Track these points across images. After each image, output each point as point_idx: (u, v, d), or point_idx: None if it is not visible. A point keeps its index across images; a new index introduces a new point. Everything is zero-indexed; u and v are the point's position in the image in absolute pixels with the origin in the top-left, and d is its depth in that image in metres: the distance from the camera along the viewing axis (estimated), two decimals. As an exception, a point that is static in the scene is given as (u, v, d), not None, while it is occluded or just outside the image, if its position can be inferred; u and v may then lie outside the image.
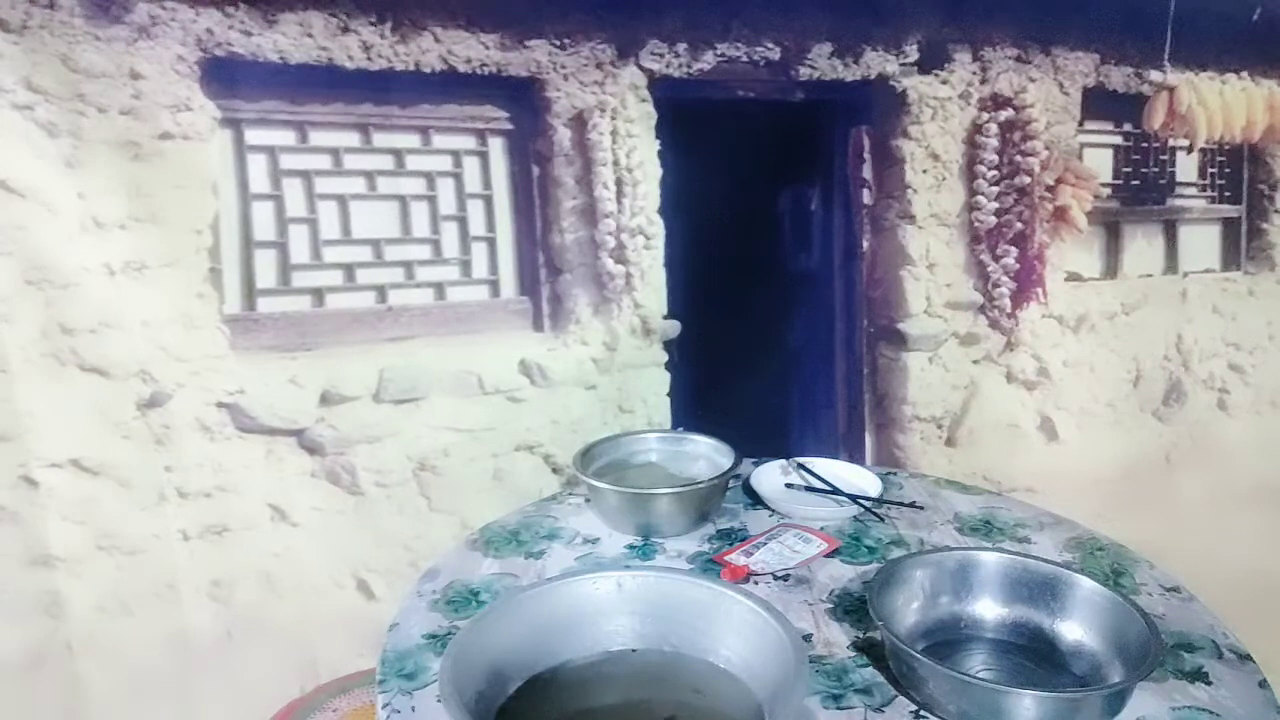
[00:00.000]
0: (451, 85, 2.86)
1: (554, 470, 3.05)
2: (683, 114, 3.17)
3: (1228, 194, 4.38)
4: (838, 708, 1.24)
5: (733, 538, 1.81)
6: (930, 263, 3.55)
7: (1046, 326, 3.76)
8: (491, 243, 3.08)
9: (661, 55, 3.03)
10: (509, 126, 3.04)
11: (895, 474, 2.20)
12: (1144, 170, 4.12)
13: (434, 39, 2.72)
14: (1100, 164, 3.96)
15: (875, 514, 1.91)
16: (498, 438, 2.96)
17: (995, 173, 3.47)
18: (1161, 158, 4.15)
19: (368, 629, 2.45)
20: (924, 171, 3.48)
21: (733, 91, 3.28)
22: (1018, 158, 3.41)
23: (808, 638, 1.40)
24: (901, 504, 1.95)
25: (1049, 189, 3.45)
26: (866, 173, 3.59)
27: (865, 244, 3.67)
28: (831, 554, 1.72)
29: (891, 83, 3.39)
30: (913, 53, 3.40)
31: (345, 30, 2.61)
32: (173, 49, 2.41)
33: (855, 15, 3.25)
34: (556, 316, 3.11)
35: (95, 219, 2.35)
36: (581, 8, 2.88)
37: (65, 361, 2.34)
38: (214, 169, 2.56)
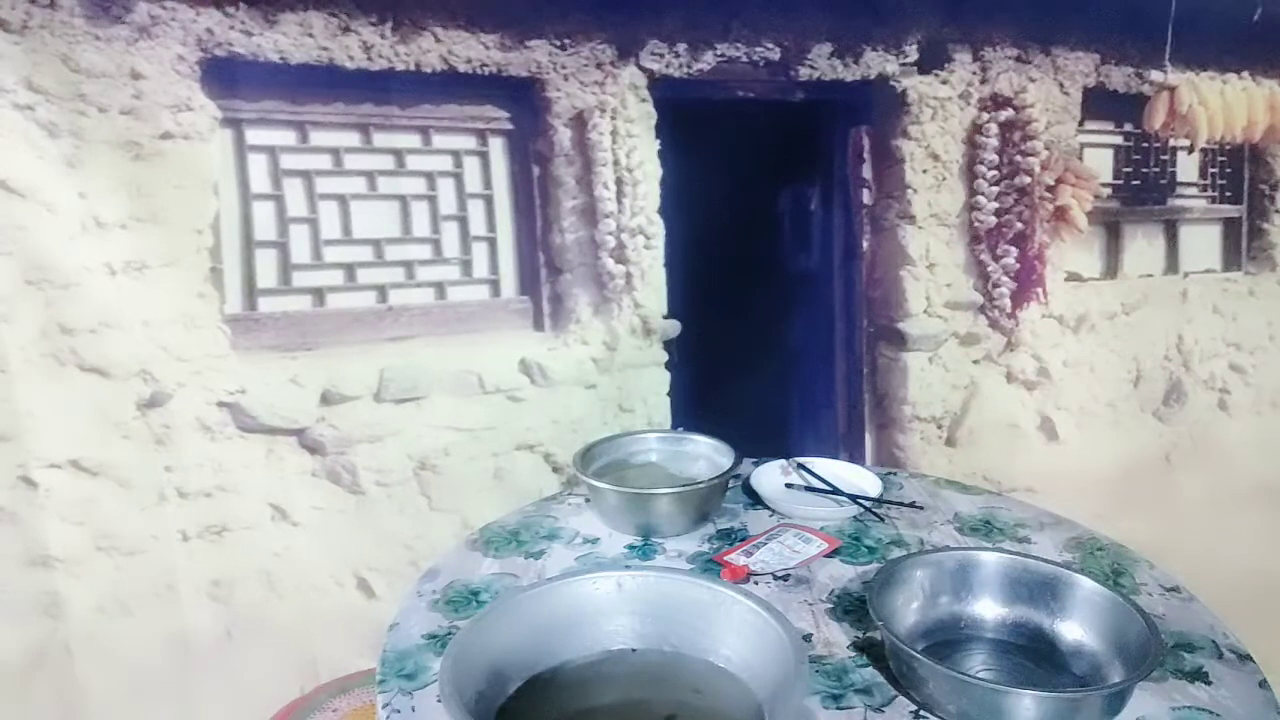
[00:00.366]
0: (452, 85, 2.86)
1: (554, 470, 3.06)
2: (683, 114, 3.17)
3: (1228, 194, 4.38)
4: (838, 708, 1.24)
5: (733, 538, 1.81)
6: (930, 263, 3.55)
7: (1046, 326, 3.76)
8: (492, 242, 3.09)
9: (661, 55, 3.03)
10: (509, 126, 3.04)
11: (895, 474, 2.20)
12: (1144, 170, 4.12)
13: (434, 39, 2.72)
14: (1100, 164, 3.95)
15: (875, 514, 1.91)
16: (498, 437, 2.96)
17: (995, 173, 3.47)
18: (1162, 158, 4.16)
19: (368, 628, 2.45)
20: (924, 171, 3.48)
21: (733, 91, 3.28)
22: (1018, 158, 3.41)
23: (808, 638, 1.40)
24: (901, 504, 1.95)
25: (1049, 189, 3.45)
26: (866, 173, 3.59)
27: (865, 244, 3.67)
28: (831, 554, 1.72)
29: (891, 83, 3.39)
30: (913, 53, 3.40)
31: (346, 30, 2.61)
32: (173, 49, 2.41)
33: (855, 15, 3.25)
34: (557, 316, 3.11)
35: (96, 219, 2.35)
36: (581, 8, 2.88)
37: (65, 361, 2.34)
38: (215, 169, 2.56)
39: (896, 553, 1.70)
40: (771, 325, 4.29)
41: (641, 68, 3.01)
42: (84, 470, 2.40)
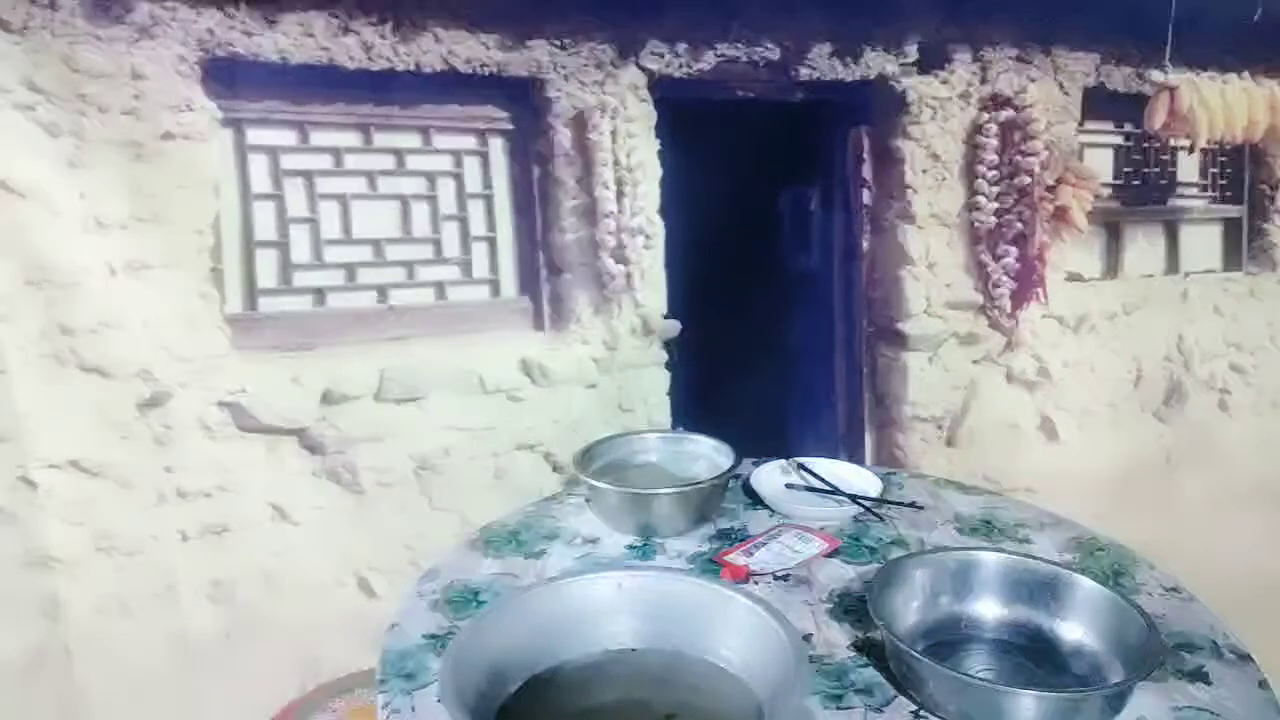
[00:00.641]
0: (452, 85, 2.86)
1: (554, 469, 3.06)
2: (683, 114, 3.17)
3: (1229, 194, 4.38)
4: (838, 708, 1.24)
5: (733, 538, 1.81)
6: (930, 263, 3.55)
7: (1047, 326, 3.76)
8: (492, 242, 3.09)
9: (661, 55, 3.03)
10: (509, 127, 3.05)
11: (895, 474, 2.20)
12: (1145, 170, 4.12)
13: (435, 39, 2.72)
14: (1101, 164, 3.96)
15: (875, 514, 1.91)
16: (498, 437, 2.96)
17: (995, 173, 3.47)
18: (1162, 158, 4.16)
19: (369, 627, 2.44)
20: (924, 171, 3.48)
21: (733, 91, 3.28)
22: (1018, 158, 3.41)
23: (808, 638, 1.40)
24: (901, 504, 1.95)
25: (1049, 189, 3.45)
26: (866, 173, 3.60)
27: (865, 244, 3.67)
28: (831, 554, 1.72)
29: (891, 83, 3.39)
30: (913, 53, 3.40)
31: (346, 30, 2.61)
32: (174, 49, 2.41)
33: (855, 15, 3.25)
34: (557, 316, 3.11)
35: (97, 219, 2.35)
36: (581, 8, 2.88)
37: (65, 362, 2.34)
38: (215, 169, 2.56)
39: (896, 553, 1.70)
40: (771, 325, 4.29)
41: (641, 68, 3.02)
42: (84, 470, 2.40)
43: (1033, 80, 3.53)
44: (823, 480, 2.04)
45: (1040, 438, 3.85)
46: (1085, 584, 1.37)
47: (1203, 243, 4.37)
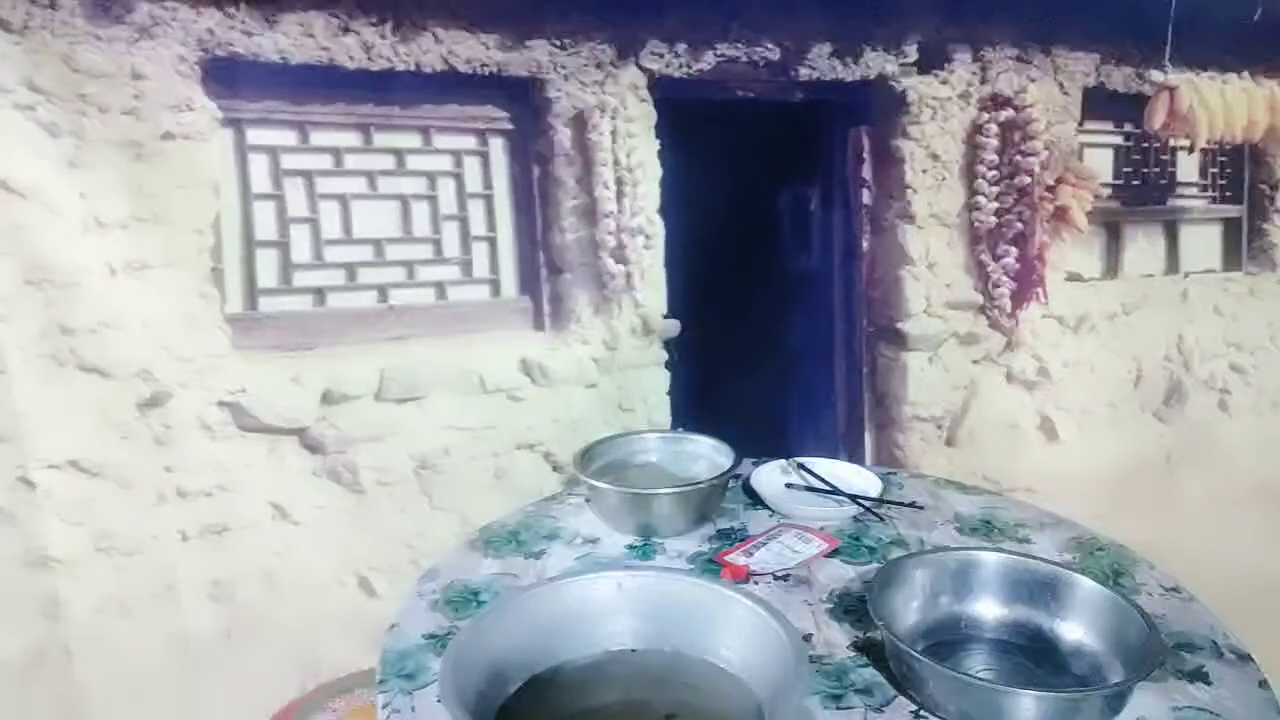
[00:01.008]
0: (452, 85, 2.86)
1: (555, 469, 3.06)
2: (683, 114, 3.17)
3: (1229, 194, 4.38)
4: (838, 708, 1.24)
5: (733, 538, 1.81)
6: (930, 263, 3.55)
7: (1046, 326, 3.76)
8: (492, 242, 3.09)
9: (661, 55, 3.03)
10: (509, 126, 3.05)
11: (895, 474, 2.20)
12: (1145, 170, 4.12)
13: (435, 39, 2.72)
14: (1101, 164, 3.96)
15: (875, 514, 1.91)
16: (499, 436, 2.96)
17: (995, 173, 3.47)
18: (1162, 158, 4.16)
19: (369, 627, 2.44)
20: (924, 171, 3.48)
21: (733, 91, 3.28)
22: (1018, 158, 3.42)
23: (808, 638, 1.40)
24: (901, 504, 1.95)
25: (1049, 189, 3.45)
26: (866, 173, 3.60)
27: (865, 244, 3.67)
28: (831, 554, 1.72)
29: (891, 83, 3.39)
30: (912, 53, 3.40)
31: (346, 30, 2.61)
32: (174, 49, 2.41)
33: (855, 15, 3.25)
34: (557, 316, 3.11)
35: (97, 219, 2.35)
36: (581, 8, 2.88)
37: (65, 362, 2.34)
38: (215, 169, 2.56)
39: (896, 553, 1.70)
40: (771, 325, 4.29)
41: (641, 68, 3.02)
42: (84, 470, 2.40)
43: (1033, 80, 3.53)
44: (823, 480, 2.04)
45: (1040, 438, 3.85)
46: (1085, 584, 1.37)
47: (1202, 243, 4.37)
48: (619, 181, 2.93)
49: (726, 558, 1.69)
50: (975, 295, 3.62)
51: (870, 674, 1.31)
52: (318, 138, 2.79)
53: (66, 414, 2.36)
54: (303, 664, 2.67)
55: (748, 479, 2.05)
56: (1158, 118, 3.38)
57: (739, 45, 3.13)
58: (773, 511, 1.94)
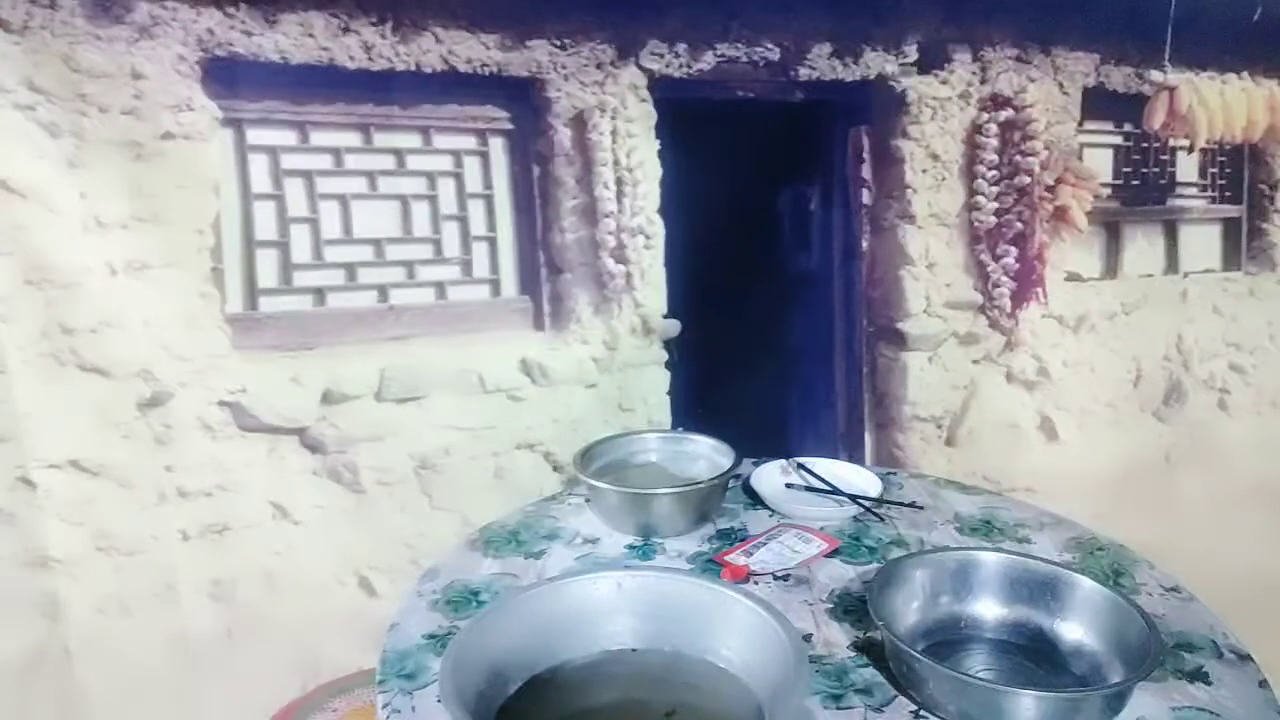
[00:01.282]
0: (452, 85, 2.86)
1: (555, 469, 3.06)
2: (683, 114, 3.17)
3: (1228, 194, 4.38)
4: (838, 708, 1.24)
5: (733, 538, 1.81)
6: (930, 263, 3.55)
7: (1046, 326, 3.76)
8: (492, 242, 3.09)
9: (661, 55, 3.04)
10: (509, 126, 3.04)
11: (895, 474, 2.20)
12: (1144, 170, 4.12)
13: (435, 39, 2.72)
14: (1100, 164, 3.96)
15: (875, 514, 1.91)
16: (499, 436, 2.96)
17: (995, 173, 3.47)
18: (1162, 158, 4.16)
19: (369, 626, 2.44)
20: (924, 171, 3.48)
21: (733, 91, 3.28)
22: (1018, 158, 3.42)
23: (808, 638, 1.40)
24: (901, 504, 1.95)
25: (1049, 189, 3.45)
26: (866, 173, 3.60)
27: (865, 244, 3.67)
28: (831, 554, 1.72)
29: (891, 83, 3.39)
30: (912, 53, 3.40)
31: (346, 30, 2.61)
32: (174, 49, 2.41)
33: (855, 15, 3.25)
34: (557, 315, 3.11)
35: (97, 219, 2.35)
36: (581, 8, 2.88)
37: (65, 362, 2.34)
38: (216, 169, 2.56)
39: (896, 553, 1.71)
40: (771, 325, 4.29)
41: (641, 68, 3.02)
42: (84, 470, 2.40)
43: (1032, 80, 3.53)
44: (823, 480, 2.04)
45: (1040, 437, 3.85)
46: (1085, 584, 1.37)
47: (1202, 242, 4.37)
48: (619, 181, 2.93)
49: (726, 558, 1.69)
50: (975, 295, 3.62)
51: (870, 674, 1.31)
52: (318, 138, 2.79)
53: (66, 414, 2.35)
54: (303, 664, 2.67)
55: (748, 479, 2.05)
56: (1157, 118, 3.38)
57: (739, 45, 3.13)
58: (773, 511, 1.94)
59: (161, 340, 2.46)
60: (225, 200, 2.63)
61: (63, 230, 2.30)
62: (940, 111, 3.44)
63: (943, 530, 1.84)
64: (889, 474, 2.17)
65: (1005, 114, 3.43)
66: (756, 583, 1.60)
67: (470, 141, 3.02)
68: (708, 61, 3.11)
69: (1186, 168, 4.23)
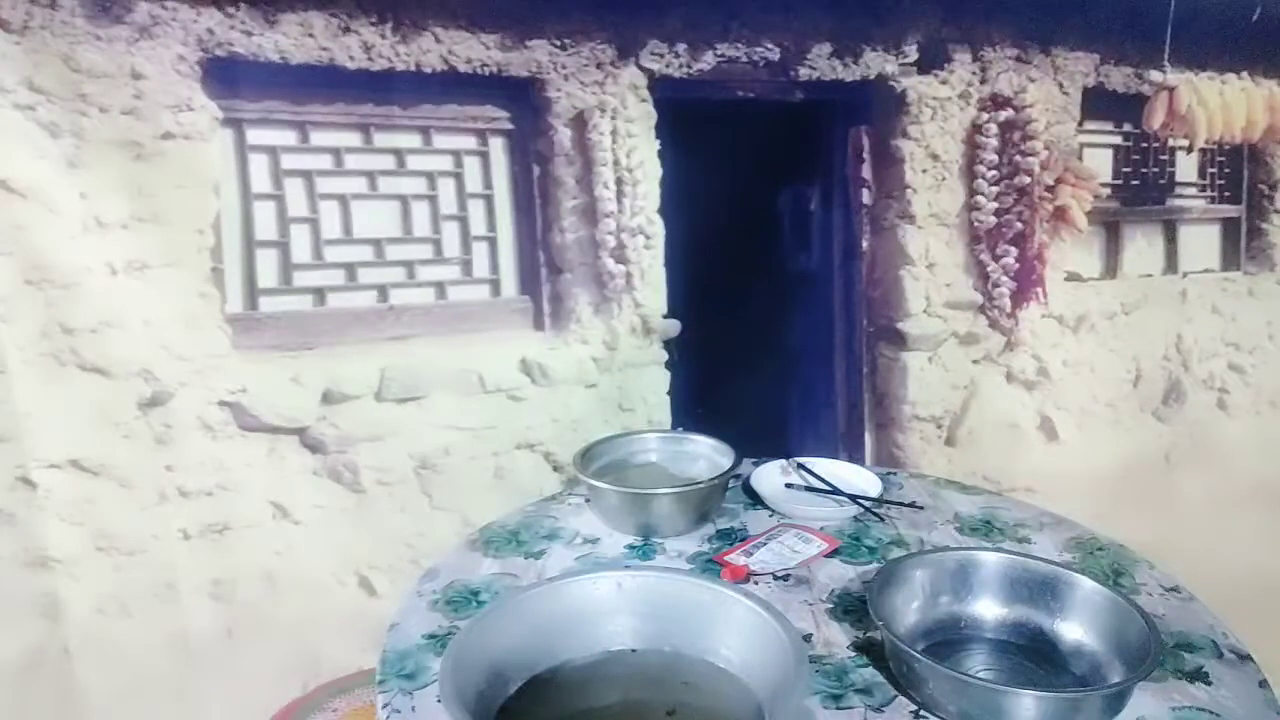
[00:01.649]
0: (452, 85, 2.86)
1: (555, 469, 3.06)
2: (683, 114, 3.17)
3: (1227, 194, 4.38)
4: (838, 708, 1.24)
5: (733, 538, 1.81)
6: (930, 263, 3.55)
7: (1046, 326, 3.76)
8: (492, 242, 3.09)
9: (661, 55, 3.04)
10: (509, 126, 3.05)
11: (895, 474, 2.20)
12: (1144, 170, 4.12)
13: (435, 39, 2.72)
14: (1100, 164, 3.96)
15: (875, 514, 1.91)
16: (499, 436, 2.96)
17: (995, 173, 3.47)
18: (1161, 158, 4.16)
19: (369, 626, 2.45)
20: (924, 171, 3.48)
21: (733, 91, 3.28)
22: (1017, 158, 3.42)
23: (808, 638, 1.40)
24: (901, 504, 1.95)
25: (1049, 189, 3.45)
26: (866, 173, 3.60)
27: (865, 244, 3.67)
28: (831, 554, 1.72)
29: (891, 83, 3.39)
30: (912, 53, 3.40)
31: (346, 30, 2.61)
32: (174, 49, 2.41)
33: (855, 15, 3.25)
34: (557, 315, 3.11)
35: (97, 219, 2.35)
36: (581, 8, 2.88)
37: (65, 362, 2.34)
38: (216, 169, 2.56)
39: (896, 553, 1.71)
40: (771, 325, 4.29)
41: (641, 68, 3.02)
42: (84, 470, 2.40)
43: (1032, 80, 3.53)
44: (823, 480, 2.04)
45: (1040, 437, 3.85)
46: (1085, 584, 1.37)
47: (1201, 242, 4.37)
48: (619, 181, 2.93)
49: (726, 558, 1.70)
50: (975, 295, 3.62)
51: (870, 674, 1.32)
52: (318, 138, 2.79)
53: (67, 414, 2.35)
54: (303, 664, 2.67)
55: (748, 479, 2.05)
56: (1157, 118, 3.38)
57: (739, 45, 3.13)
58: (773, 511, 1.94)
59: (162, 340, 2.46)
60: (225, 200, 2.63)
61: (63, 230, 2.30)
62: (940, 111, 3.45)
63: (943, 530, 1.84)
64: (889, 474, 2.17)
65: (1005, 114, 3.43)
66: (756, 583, 1.60)
67: (470, 141, 3.02)
68: (708, 61, 3.11)
69: (1186, 168, 4.23)
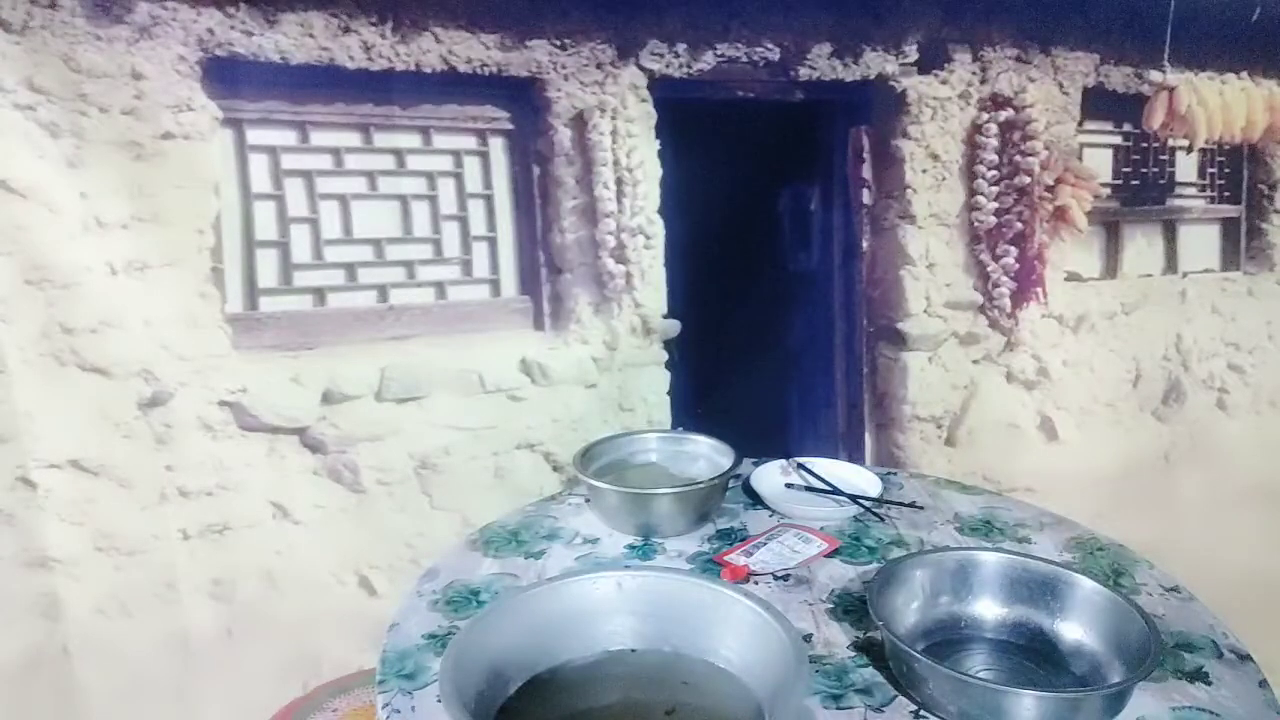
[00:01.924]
0: (452, 85, 2.86)
1: (555, 469, 3.06)
2: (683, 114, 3.17)
3: (1227, 194, 4.38)
4: (838, 708, 1.24)
5: (733, 538, 1.81)
6: (930, 263, 3.55)
7: (1046, 326, 3.76)
8: (492, 242, 3.09)
9: (661, 55, 3.04)
10: (509, 126, 3.05)
11: (895, 474, 2.20)
12: (1144, 170, 4.12)
13: (435, 39, 2.72)
14: (1100, 164, 3.96)
15: (875, 514, 1.91)
16: (499, 436, 2.97)
17: (995, 173, 3.47)
18: (1161, 158, 4.16)
19: (370, 626, 2.44)
20: (924, 171, 3.48)
21: (733, 91, 3.28)
22: (1017, 158, 3.42)
23: (808, 638, 1.40)
24: (901, 504, 1.95)
25: (1049, 189, 3.45)
26: (866, 173, 3.59)
27: (865, 244, 3.67)
28: (831, 554, 1.72)
29: (891, 83, 3.39)
30: (912, 53, 3.40)
31: (346, 30, 2.61)
32: (174, 49, 2.41)
33: (855, 15, 3.25)
34: (557, 315, 3.11)
35: (97, 219, 2.35)
36: (581, 8, 2.88)
37: (65, 362, 2.34)
38: (216, 169, 2.56)
39: (896, 553, 1.71)
40: (771, 325, 4.29)
41: (641, 68, 3.02)
42: (84, 470, 2.40)
43: (1032, 80, 3.53)
44: (823, 480, 2.04)
45: (1040, 437, 3.85)
46: (1085, 584, 1.37)
47: (1201, 242, 4.37)
48: (619, 181, 2.93)
49: (726, 558, 1.70)
50: (975, 295, 3.62)
51: (870, 674, 1.32)
52: (318, 138, 2.79)
53: (67, 414, 2.35)
54: (303, 663, 2.67)
55: (748, 479, 2.05)
56: (1157, 118, 3.38)
57: (739, 45, 3.14)
58: (773, 511, 1.94)
59: (162, 340, 2.46)
60: (225, 200, 2.63)
61: (63, 230, 2.30)
62: (940, 111, 3.45)
63: (943, 530, 1.84)
64: (889, 474, 2.17)
65: (1005, 114, 3.43)
66: (756, 583, 1.60)
67: (470, 141, 3.02)
68: (708, 61, 3.11)
69: (1186, 168, 4.23)
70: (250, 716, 2.44)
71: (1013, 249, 3.49)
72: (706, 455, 2.07)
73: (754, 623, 1.26)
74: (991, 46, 3.48)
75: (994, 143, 3.44)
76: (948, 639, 1.41)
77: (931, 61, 3.44)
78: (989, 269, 3.55)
